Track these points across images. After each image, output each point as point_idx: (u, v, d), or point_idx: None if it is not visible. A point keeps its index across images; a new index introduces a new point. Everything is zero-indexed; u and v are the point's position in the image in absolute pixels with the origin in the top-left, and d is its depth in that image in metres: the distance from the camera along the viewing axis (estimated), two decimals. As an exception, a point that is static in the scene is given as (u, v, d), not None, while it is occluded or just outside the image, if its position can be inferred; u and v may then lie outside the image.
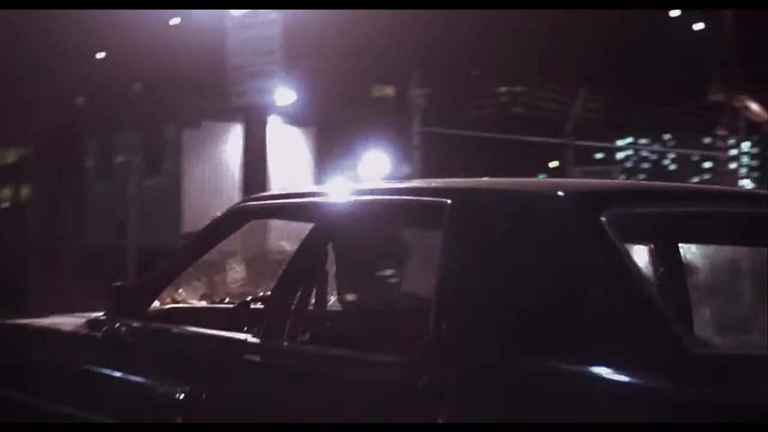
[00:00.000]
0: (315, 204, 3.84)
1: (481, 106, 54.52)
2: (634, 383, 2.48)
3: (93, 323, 4.25)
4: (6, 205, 35.24)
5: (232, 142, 19.85)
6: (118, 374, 3.99)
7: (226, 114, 19.40)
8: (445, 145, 28.43)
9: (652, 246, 3.61)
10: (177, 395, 3.55)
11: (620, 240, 2.71)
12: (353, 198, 3.68)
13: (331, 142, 23.48)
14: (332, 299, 4.02)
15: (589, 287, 2.71)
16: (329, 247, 3.75)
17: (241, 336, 3.55)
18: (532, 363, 2.68)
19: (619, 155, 51.60)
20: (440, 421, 2.73)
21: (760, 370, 2.50)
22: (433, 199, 3.25)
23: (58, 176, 28.03)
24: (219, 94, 18.49)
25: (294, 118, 20.09)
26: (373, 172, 27.54)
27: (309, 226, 3.76)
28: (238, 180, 18.47)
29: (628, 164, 64.17)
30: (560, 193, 3.03)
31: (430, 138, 22.74)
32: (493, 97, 58.60)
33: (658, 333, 2.52)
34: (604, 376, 2.52)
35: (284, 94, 16.21)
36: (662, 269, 3.60)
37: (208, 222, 4.57)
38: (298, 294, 3.58)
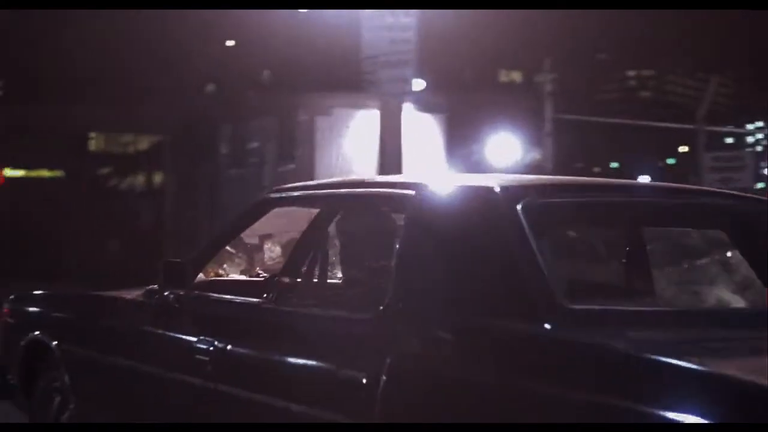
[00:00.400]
0: (318, 195, 4.87)
1: (608, 90, 53.95)
2: (523, 328, 3.42)
3: (148, 293, 5.20)
4: (142, 190, 36.27)
5: (363, 129, 20.11)
6: (164, 332, 5.02)
7: (359, 101, 19.69)
8: (574, 131, 28.30)
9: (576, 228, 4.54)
10: (208, 347, 4.56)
11: (532, 223, 3.59)
12: (350, 189, 4.72)
13: (460, 127, 23.58)
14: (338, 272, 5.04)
15: (503, 260, 3.60)
16: (333, 229, 4.78)
17: (259, 301, 4.53)
18: (457, 317, 3.63)
19: (750, 139, 50.56)
20: (389, 360, 3.67)
21: (616, 320, 3.43)
22: (402, 191, 4.21)
23: (192, 163, 28.73)
24: (351, 81, 18.79)
25: (425, 104, 20.26)
26: (501, 157, 27.56)
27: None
28: (369, 167, 18.76)
29: (759, 148, 62.84)
30: (490, 187, 3.85)
31: (559, 123, 22.69)
32: (621, 82, 57.91)
33: (542, 293, 3.41)
34: (504, 325, 3.47)
35: (415, 81, 16.39)
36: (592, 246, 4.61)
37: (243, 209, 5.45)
38: (304, 268, 4.71)
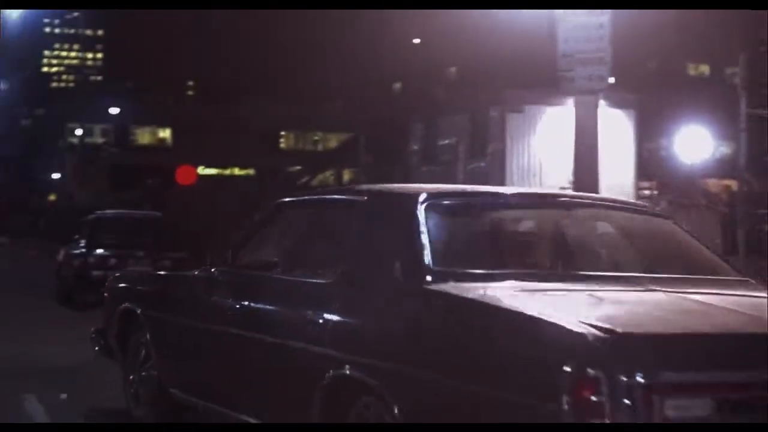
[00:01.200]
0: (309, 200, 7.27)
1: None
2: (402, 281, 5.52)
3: (202, 269, 7.29)
4: (333, 186, 37.04)
5: (555, 126, 20.33)
6: (208, 296, 7.05)
7: (550, 98, 19.92)
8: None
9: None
10: (236, 305, 6.68)
11: (428, 219, 5.62)
12: (330, 195, 7.47)
13: (650, 122, 23.51)
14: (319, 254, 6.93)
15: (405, 239, 5.60)
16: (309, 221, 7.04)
17: (268, 274, 6.55)
18: (375, 278, 5.70)
19: None
20: (338, 316, 5.74)
21: (470, 277, 5.35)
22: (357, 197, 6.41)
23: (383, 160, 29.42)
24: (542, 78, 19.03)
25: (616, 100, 20.34)
26: (691, 152, 27.32)
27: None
28: (560, 164, 18.98)
29: None
30: (404, 193, 6.21)
31: (754, 118, 22.34)
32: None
33: (416, 259, 5.41)
34: (396, 279, 5.56)
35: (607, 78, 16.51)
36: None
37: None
38: (300, 251, 6.83)
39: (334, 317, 5.72)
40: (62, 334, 13.92)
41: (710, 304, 5.09)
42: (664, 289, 5.34)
